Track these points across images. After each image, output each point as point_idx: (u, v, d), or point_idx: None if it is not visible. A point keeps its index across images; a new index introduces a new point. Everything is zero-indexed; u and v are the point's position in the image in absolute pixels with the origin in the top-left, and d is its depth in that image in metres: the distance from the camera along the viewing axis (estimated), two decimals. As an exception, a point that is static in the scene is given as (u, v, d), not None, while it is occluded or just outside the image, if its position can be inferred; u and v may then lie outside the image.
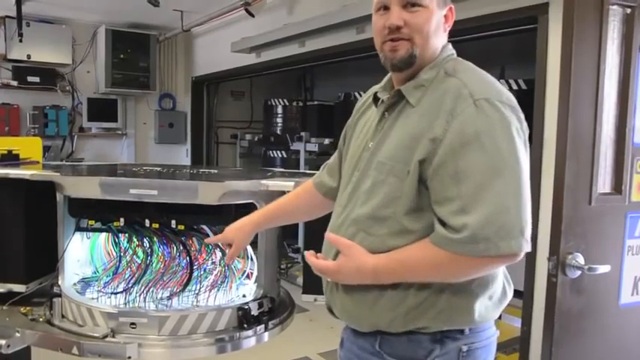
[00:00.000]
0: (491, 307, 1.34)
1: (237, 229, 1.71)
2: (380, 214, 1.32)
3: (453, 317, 1.30)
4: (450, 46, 1.41)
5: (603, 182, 2.03)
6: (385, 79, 1.48)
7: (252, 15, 4.67)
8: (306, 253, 1.42)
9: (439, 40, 1.36)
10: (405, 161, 1.28)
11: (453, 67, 1.34)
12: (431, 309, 1.29)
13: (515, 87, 4.14)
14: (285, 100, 6.27)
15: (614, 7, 2.00)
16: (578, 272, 1.92)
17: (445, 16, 1.36)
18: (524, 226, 1.19)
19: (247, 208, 1.91)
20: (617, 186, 2.05)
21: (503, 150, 1.20)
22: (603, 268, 1.93)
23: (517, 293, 3.55)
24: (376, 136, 1.39)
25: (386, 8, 1.34)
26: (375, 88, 1.50)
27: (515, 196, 1.19)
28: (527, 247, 1.20)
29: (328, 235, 1.40)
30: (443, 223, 1.22)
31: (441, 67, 1.34)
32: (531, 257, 2.68)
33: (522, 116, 1.28)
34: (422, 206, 1.28)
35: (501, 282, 1.36)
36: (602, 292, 2.07)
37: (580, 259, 1.91)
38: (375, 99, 1.46)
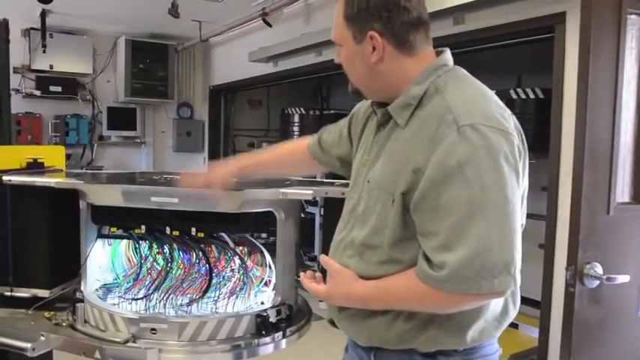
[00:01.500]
0: (488, 328, 1.29)
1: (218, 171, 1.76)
2: (370, 242, 1.30)
3: (444, 341, 1.28)
4: (443, 56, 1.30)
5: (622, 192, 2.02)
6: None
7: (269, 25, 4.73)
8: (301, 274, 1.45)
9: (383, 69, 1.27)
10: (390, 190, 1.24)
11: (445, 81, 1.25)
12: (421, 335, 1.28)
13: (532, 96, 4.13)
14: (301, 109, 6.31)
15: (632, 16, 2.00)
16: (597, 282, 1.91)
17: (372, 47, 1.25)
18: (509, 262, 1.13)
19: (266, 217, 1.94)
20: (636, 195, 2.05)
21: (487, 183, 1.12)
22: (622, 278, 1.92)
23: (534, 303, 3.53)
24: (372, 152, 1.36)
25: None
26: None
27: (500, 233, 1.12)
28: (511, 284, 1.14)
29: (321, 257, 1.41)
30: (427, 258, 1.18)
31: (432, 82, 1.25)
32: (549, 267, 2.67)
33: (515, 139, 1.19)
34: (409, 236, 1.23)
35: (501, 301, 1.30)
36: (621, 302, 2.05)
37: (598, 269, 1.91)
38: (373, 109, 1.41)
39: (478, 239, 1.11)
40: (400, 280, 1.24)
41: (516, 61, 4.51)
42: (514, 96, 4.21)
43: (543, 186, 3.23)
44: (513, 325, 4.10)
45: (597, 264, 1.91)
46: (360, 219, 1.34)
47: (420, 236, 1.20)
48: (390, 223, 1.24)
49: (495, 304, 1.29)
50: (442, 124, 1.16)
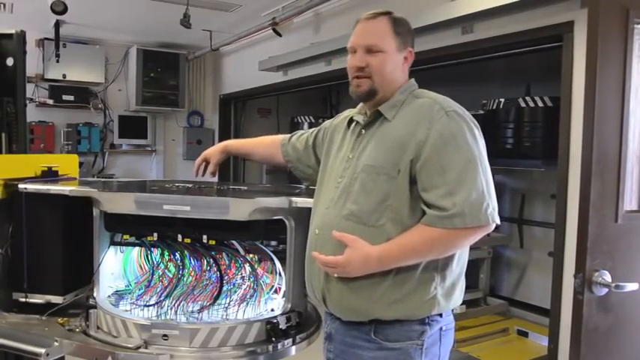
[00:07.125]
0: (447, 300, 1.63)
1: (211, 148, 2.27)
2: (378, 207, 1.57)
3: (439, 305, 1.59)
4: (413, 80, 1.74)
5: (630, 200, 2.02)
6: (359, 106, 1.80)
7: (279, 34, 4.77)
8: (313, 253, 1.63)
9: (398, 75, 1.69)
10: (394, 162, 1.57)
11: (420, 92, 1.70)
12: (415, 300, 1.57)
13: (540, 104, 4.13)
14: (311, 117, 6.32)
15: (639, 25, 2.01)
16: (605, 290, 1.91)
17: (405, 57, 1.70)
18: (493, 202, 1.53)
19: (276, 224, 1.96)
20: (645, 204, 2.05)
21: (472, 147, 1.54)
22: (631, 286, 1.92)
23: (544, 311, 3.51)
24: (356, 148, 1.70)
25: (355, 51, 1.67)
26: (349, 113, 1.83)
27: (485, 181, 1.53)
28: (496, 218, 1.54)
29: (334, 232, 1.60)
30: (429, 207, 1.51)
31: (409, 93, 1.69)
32: (558, 275, 2.67)
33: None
34: (414, 198, 1.56)
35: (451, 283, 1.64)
36: (631, 310, 2.05)
37: (607, 277, 1.91)
38: (350, 121, 1.79)
39: (473, 185, 1.50)
40: (411, 233, 1.53)
41: (525, 69, 4.52)
42: (523, 104, 4.22)
43: (553, 194, 3.23)
44: (523, 334, 4.09)
45: (606, 272, 1.91)
46: (354, 195, 1.62)
47: (424, 191, 1.54)
48: (400, 186, 1.56)
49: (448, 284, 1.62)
50: (433, 110, 1.58)
